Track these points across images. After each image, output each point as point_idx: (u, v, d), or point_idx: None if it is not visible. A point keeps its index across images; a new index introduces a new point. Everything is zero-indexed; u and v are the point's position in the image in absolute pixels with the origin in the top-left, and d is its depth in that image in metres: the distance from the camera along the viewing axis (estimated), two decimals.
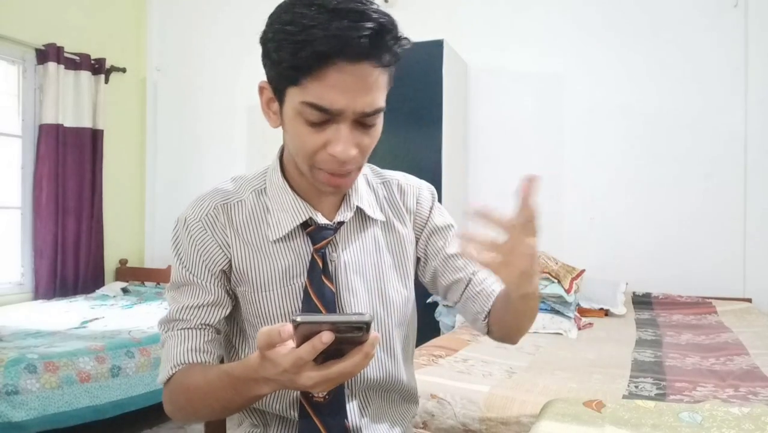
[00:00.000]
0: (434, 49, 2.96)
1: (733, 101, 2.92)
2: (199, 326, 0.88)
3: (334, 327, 0.64)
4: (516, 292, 0.81)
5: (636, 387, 1.48)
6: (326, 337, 0.63)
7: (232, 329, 0.96)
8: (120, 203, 4.18)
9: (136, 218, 4.35)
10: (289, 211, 0.89)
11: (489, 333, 1.00)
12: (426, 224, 1.00)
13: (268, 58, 0.79)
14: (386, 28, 0.74)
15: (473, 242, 0.74)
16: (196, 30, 4.21)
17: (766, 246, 2.85)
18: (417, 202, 1.00)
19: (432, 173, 2.86)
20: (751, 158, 2.89)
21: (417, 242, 1.01)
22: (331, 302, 0.87)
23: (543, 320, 2.29)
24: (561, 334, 2.23)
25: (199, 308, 0.88)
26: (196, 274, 0.89)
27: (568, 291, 2.31)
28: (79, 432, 2.28)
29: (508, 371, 1.63)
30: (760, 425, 0.91)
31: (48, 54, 3.62)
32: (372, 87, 0.76)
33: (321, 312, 0.86)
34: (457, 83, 3.20)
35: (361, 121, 0.79)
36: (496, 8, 3.39)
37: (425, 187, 1.03)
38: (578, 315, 2.41)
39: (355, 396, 0.92)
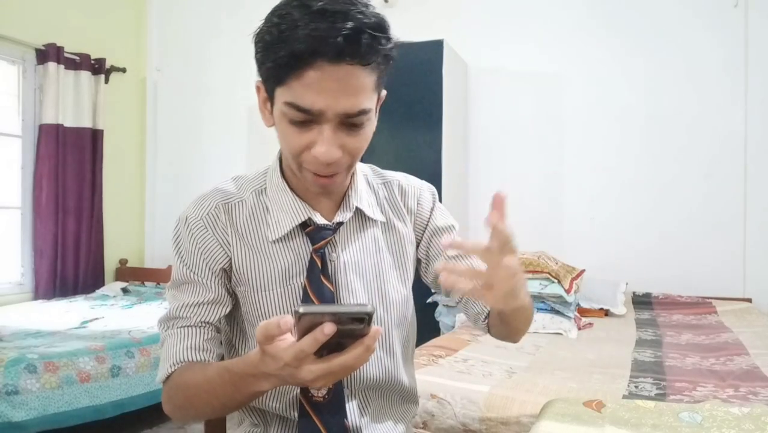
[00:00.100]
0: (434, 49, 2.96)
1: (733, 101, 2.92)
2: (199, 324, 0.88)
3: (336, 319, 0.63)
4: (505, 309, 0.79)
5: (636, 387, 1.48)
6: (328, 328, 0.63)
7: (233, 329, 0.96)
8: (120, 203, 4.18)
9: (136, 218, 4.35)
10: (288, 211, 0.89)
11: (490, 332, 1.01)
12: (427, 224, 1.00)
13: (255, 58, 0.79)
14: (367, 28, 0.73)
15: (453, 273, 0.72)
16: (196, 30, 4.21)
17: (766, 246, 2.85)
18: (418, 203, 1.00)
19: (432, 173, 2.86)
20: (751, 158, 2.89)
21: (418, 243, 1.01)
22: (330, 302, 0.87)
23: (543, 320, 2.29)
24: (561, 334, 2.23)
25: (199, 305, 0.88)
26: (196, 272, 0.89)
27: (568, 291, 2.31)
28: (79, 432, 2.28)
29: (508, 371, 1.63)
30: (760, 425, 0.91)
31: (48, 54, 3.62)
32: (355, 88, 0.76)
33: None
34: (457, 83, 3.21)
35: (346, 123, 0.78)
36: (496, 8, 3.39)
37: (426, 188, 1.03)
38: (578, 315, 2.41)
39: (355, 396, 0.92)
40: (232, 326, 0.96)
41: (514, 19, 3.35)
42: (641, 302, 2.85)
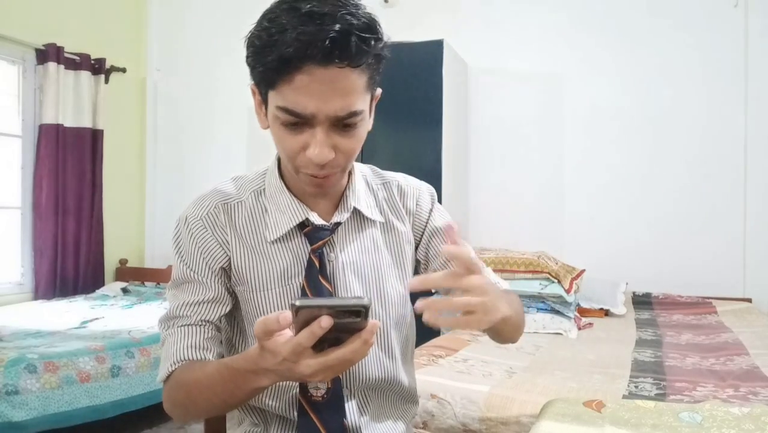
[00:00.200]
0: (434, 49, 2.96)
1: (733, 101, 2.92)
2: (199, 323, 0.88)
3: (333, 312, 0.63)
4: (490, 326, 0.79)
5: (636, 387, 1.48)
6: (325, 322, 0.63)
7: (233, 328, 0.96)
8: (120, 203, 4.18)
9: (136, 218, 4.35)
10: (286, 212, 0.90)
11: (487, 334, 1.01)
12: (426, 225, 1.00)
13: (247, 62, 0.80)
14: (355, 30, 0.73)
15: (430, 309, 0.71)
16: (196, 30, 4.21)
17: (766, 246, 2.85)
18: (417, 204, 1.00)
19: (432, 173, 2.86)
20: (751, 158, 2.89)
21: (417, 244, 1.01)
22: None
23: (543, 320, 2.29)
24: (561, 334, 2.23)
25: (199, 304, 0.89)
26: (196, 271, 0.89)
27: (568, 291, 2.31)
28: (79, 432, 2.28)
29: (508, 371, 1.63)
30: (760, 425, 0.91)
31: (48, 54, 3.62)
32: (346, 90, 0.76)
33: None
34: (457, 83, 3.20)
35: (339, 124, 0.78)
36: (496, 8, 3.39)
37: (425, 189, 1.03)
38: (578, 315, 2.41)
39: (354, 395, 0.92)
40: (232, 325, 0.96)
41: (514, 19, 3.35)
42: (641, 302, 2.85)
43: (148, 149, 4.37)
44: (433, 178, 2.82)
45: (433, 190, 1.04)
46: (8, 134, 3.64)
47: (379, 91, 0.86)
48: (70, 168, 3.74)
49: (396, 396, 0.98)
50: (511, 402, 1.36)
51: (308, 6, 0.73)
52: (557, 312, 2.31)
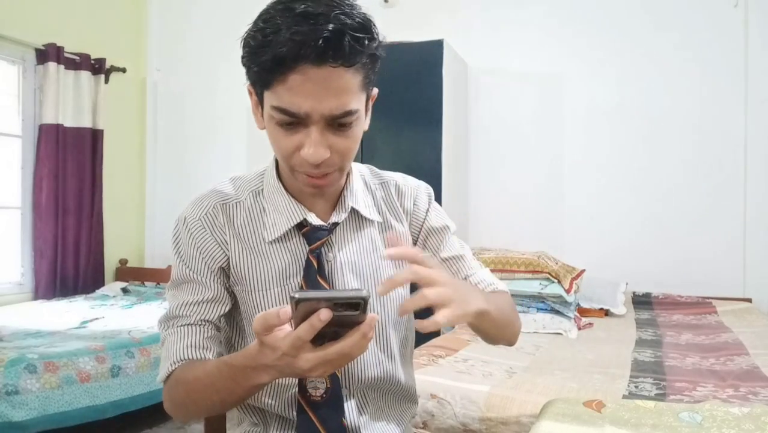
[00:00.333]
0: (434, 49, 2.96)
1: (733, 101, 2.92)
2: (199, 322, 0.88)
3: (332, 305, 0.63)
4: (466, 321, 0.79)
5: (636, 387, 1.48)
6: (324, 315, 0.63)
7: (232, 328, 0.96)
8: (120, 203, 4.18)
9: (136, 218, 4.35)
10: (284, 212, 0.90)
11: (477, 334, 1.01)
12: (422, 225, 1.00)
13: (242, 63, 0.80)
14: (348, 29, 0.73)
15: (409, 310, 0.72)
16: (196, 30, 4.21)
17: (766, 246, 2.85)
18: (414, 204, 1.00)
19: (432, 173, 2.86)
20: (751, 158, 2.89)
21: (415, 243, 1.01)
22: None
23: (543, 320, 2.29)
24: (561, 334, 2.23)
25: (199, 304, 0.89)
26: (195, 271, 0.90)
27: (568, 291, 2.31)
28: (79, 432, 2.28)
29: (508, 371, 1.63)
30: (760, 425, 0.91)
31: (48, 54, 3.62)
32: (340, 89, 0.76)
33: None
34: (457, 83, 3.21)
35: (334, 124, 0.79)
36: (496, 8, 3.39)
37: (423, 189, 1.03)
38: (578, 315, 2.41)
39: (353, 395, 0.92)
40: (232, 325, 0.96)
41: (514, 19, 3.35)
42: (641, 302, 2.85)
43: (148, 149, 4.37)
44: (433, 178, 2.82)
45: (431, 190, 1.04)
46: (8, 134, 3.64)
47: (375, 90, 0.87)
48: (70, 168, 3.74)
49: (395, 396, 0.98)
50: (511, 402, 1.36)
51: (303, 6, 0.73)
52: (557, 312, 2.31)
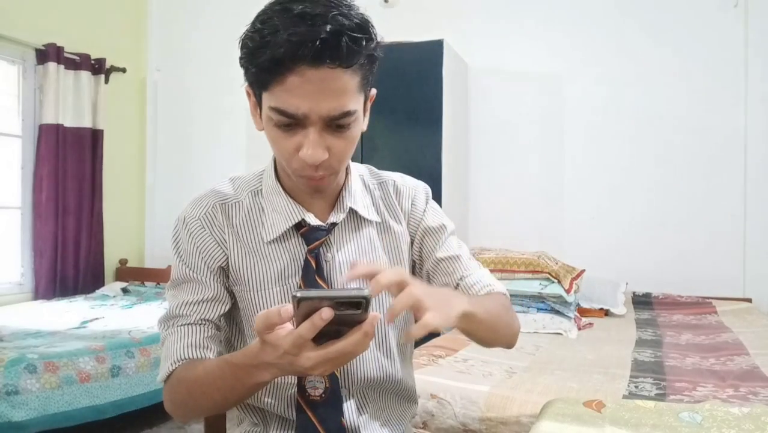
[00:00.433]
0: (434, 49, 2.96)
1: (733, 101, 2.92)
2: (199, 322, 0.88)
3: (333, 304, 0.63)
4: (452, 325, 0.78)
5: (636, 387, 1.48)
6: (326, 313, 0.63)
7: (231, 328, 0.96)
8: (120, 203, 4.18)
9: (136, 218, 4.35)
10: (282, 212, 0.90)
11: (470, 337, 1.00)
12: (419, 225, 1.00)
13: (240, 64, 0.80)
14: (346, 30, 0.73)
15: (395, 316, 0.72)
16: (196, 30, 4.21)
17: (766, 246, 2.85)
18: (412, 204, 1.00)
19: (432, 173, 2.86)
20: (751, 158, 2.89)
21: (412, 243, 1.01)
22: None
23: (543, 320, 2.29)
24: (561, 334, 2.23)
25: (199, 303, 0.89)
26: (195, 270, 0.90)
27: (568, 291, 2.31)
28: (79, 432, 2.28)
29: (508, 371, 1.63)
30: (760, 425, 0.91)
31: (48, 54, 3.62)
32: (338, 90, 0.76)
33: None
34: (457, 83, 3.21)
35: (332, 125, 0.79)
36: (496, 8, 3.39)
37: (421, 188, 1.02)
38: (578, 315, 2.41)
39: (353, 395, 0.92)
40: (231, 325, 0.96)
41: (515, 19, 3.35)
42: (641, 302, 2.85)
43: (148, 149, 4.37)
44: (433, 178, 2.82)
45: (429, 190, 1.04)
46: (8, 134, 3.64)
47: (373, 91, 0.86)
48: (70, 168, 3.74)
49: (395, 396, 0.98)
50: (511, 402, 1.36)
51: (300, 7, 0.73)
52: (557, 312, 2.31)
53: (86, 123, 3.83)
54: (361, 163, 1.03)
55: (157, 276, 3.96)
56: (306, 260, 0.89)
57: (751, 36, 2.88)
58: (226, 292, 0.91)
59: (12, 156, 3.65)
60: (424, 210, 1.00)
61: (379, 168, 1.04)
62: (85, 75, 3.81)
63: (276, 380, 0.87)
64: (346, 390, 0.91)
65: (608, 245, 3.11)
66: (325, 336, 0.66)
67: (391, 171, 1.04)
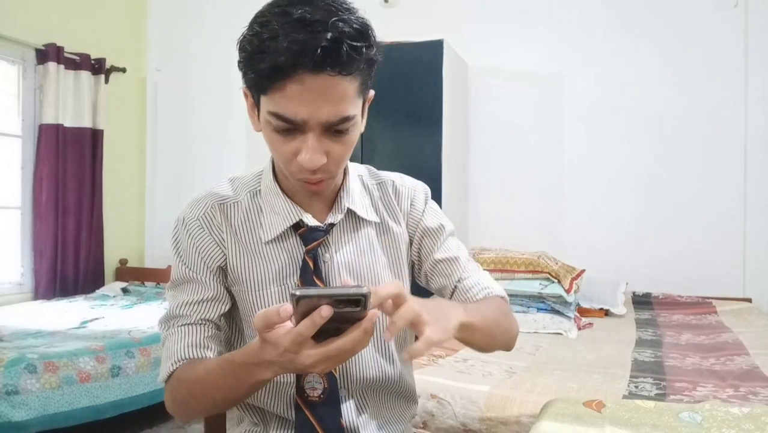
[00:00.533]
0: (434, 49, 2.96)
1: (733, 101, 2.92)
2: (199, 322, 0.88)
3: (333, 302, 0.63)
4: (451, 336, 0.78)
5: (636, 387, 1.48)
6: (325, 311, 0.63)
7: (231, 328, 0.96)
8: (120, 203, 4.18)
9: (136, 218, 4.35)
10: (280, 213, 0.90)
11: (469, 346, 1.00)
12: (418, 225, 1.00)
13: (239, 67, 0.79)
14: (346, 38, 0.73)
15: (395, 331, 0.71)
16: (196, 30, 4.21)
17: (766, 246, 2.85)
18: (411, 204, 1.00)
19: (432, 173, 2.86)
20: (751, 158, 2.89)
21: (411, 243, 1.00)
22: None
23: (543, 320, 2.29)
24: (561, 334, 2.23)
25: (199, 303, 0.89)
26: (195, 270, 0.90)
27: (568, 291, 2.31)
28: (79, 432, 2.28)
29: (508, 371, 1.63)
30: (760, 425, 0.91)
31: (48, 54, 3.62)
32: (337, 97, 0.76)
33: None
34: (457, 83, 3.21)
35: (331, 130, 0.78)
36: (496, 8, 3.39)
37: (420, 189, 1.02)
38: (578, 315, 2.41)
39: (352, 396, 0.92)
40: (231, 325, 0.96)
41: (514, 19, 3.35)
42: (641, 302, 2.85)
43: (148, 149, 4.37)
44: (433, 178, 2.82)
45: (428, 190, 1.04)
46: (8, 134, 3.64)
47: (371, 93, 0.86)
48: (70, 168, 3.74)
49: (394, 396, 0.98)
50: (511, 402, 1.36)
51: (300, 11, 0.72)
52: (557, 312, 2.31)
53: (86, 123, 3.83)
54: (361, 163, 1.03)
55: (157, 276, 3.96)
56: (304, 261, 0.89)
57: (751, 36, 2.88)
58: (226, 292, 0.92)
59: (12, 156, 3.65)
60: (423, 210, 1.00)
61: (378, 168, 1.03)
62: (85, 75, 3.81)
63: (275, 379, 0.87)
64: (345, 390, 0.91)
65: (608, 244, 3.11)
66: (324, 334, 0.66)
67: (391, 171, 1.03)
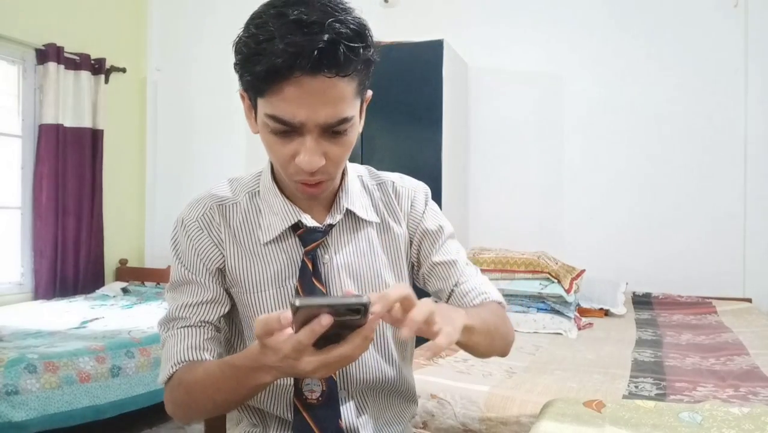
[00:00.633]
0: (434, 49, 2.96)
1: (733, 101, 2.92)
2: (199, 324, 0.88)
3: (333, 311, 0.63)
4: (456, 340, 0.78)
5: (636, 387, 1.48)
6: (325, 320, 0.63)
7: (231, 329, 0.96)
8: (120, 203, 4.18)
9: (136, 218, 4.35)
10: (279, 214, 0.90)
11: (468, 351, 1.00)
12: (418, 226, 0.99)
13: (235, 68, 0.79)
14: (343, 39, 0.72)
15: (411, 333, 0.70)
16: (196, 30, 4.21)
17: (766, 246, 2.85)
18: (411, 205, 0.99)
19: (432, 173, 2.86)
20: (751, 158, 2.89)
21: (411, 244, 1.00)
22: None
23: (543, 320, 2.29)
24: (561, 334, 2.23)
25: (199, 305, 0.89)
26: (194, 272, 0.90)
27: (568, 291, 2.31)
28: (79, 432, 2.28)
29: (508, 371, 1.63)
30: (760, 425, 0.91)
31: (48, 54, 3.62)
32: (335, 98, 0.75)
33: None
34: (457, 83, 3.21)
35: (329, 131, 0.78)
36: (496, 8, 3.39)
37: (421, 189, 1.02)
38: (578, 315, 2.41)
39: (352, 397, 0.92)
40: (231, 326, 0.96)
41: (514, 19, 3.35)
42: (641, 302, 2.85)
43: (148, 149, 4.38)
44: (433, 178, 2.82)
45: (428, 190, 1.03)
46: (8, 134, 3.64)
47: (369, 93, 0.86)
48: (70, 168, 3.74)
49: (395, 397, 0.98)
50: (511, 402, 1.36)
51: (296, 12, 0.72)
52: (557, 312, 2.31)
53: (86, 123, 3.83)
54: (361, 163, 1.03)
55: (157, 276, 3.96)
56: (303, 262, 0.89)
57: (750, 36, 2.88)
58: (225, 293, 0.91)
59: (12, 156, 3.66)
60: (423, 211, 1.00)
61: (378, 168, 1.03)
62: (85, 75, 3.81)
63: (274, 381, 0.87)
64: (345, 392, 0.91)
65: (608, 244, 3.11)
66: (325, 339, 0.66)
67: (391, 171, 1.03)
